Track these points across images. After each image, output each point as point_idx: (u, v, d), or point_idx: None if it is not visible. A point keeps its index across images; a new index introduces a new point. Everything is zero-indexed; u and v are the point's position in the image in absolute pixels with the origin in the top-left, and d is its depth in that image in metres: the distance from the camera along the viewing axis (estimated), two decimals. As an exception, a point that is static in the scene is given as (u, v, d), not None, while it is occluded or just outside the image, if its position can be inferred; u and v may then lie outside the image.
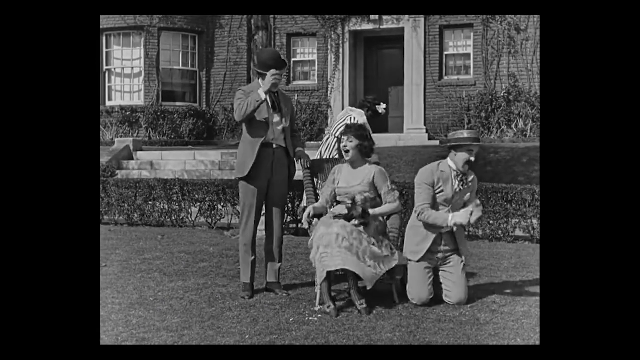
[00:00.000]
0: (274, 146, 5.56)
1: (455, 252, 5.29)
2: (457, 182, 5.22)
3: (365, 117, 7.87)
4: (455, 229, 5.19)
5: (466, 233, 8.43)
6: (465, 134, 5.21)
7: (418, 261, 5.22)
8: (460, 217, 5.08)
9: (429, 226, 5.20)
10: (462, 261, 5.27)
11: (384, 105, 8.06)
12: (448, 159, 5.27)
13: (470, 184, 5.29)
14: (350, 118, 7.84)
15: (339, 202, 5.34)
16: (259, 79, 5.63)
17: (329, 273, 4.98)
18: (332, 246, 4.95)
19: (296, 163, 5.79)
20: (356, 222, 5.08)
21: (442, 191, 5.19)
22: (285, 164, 5.65)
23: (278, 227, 5.64)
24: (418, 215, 5.19)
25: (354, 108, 8.11)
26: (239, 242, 5.64)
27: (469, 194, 5.30)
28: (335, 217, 5.14)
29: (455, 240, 5.30)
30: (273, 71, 5.41)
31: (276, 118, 5.58)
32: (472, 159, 5.17)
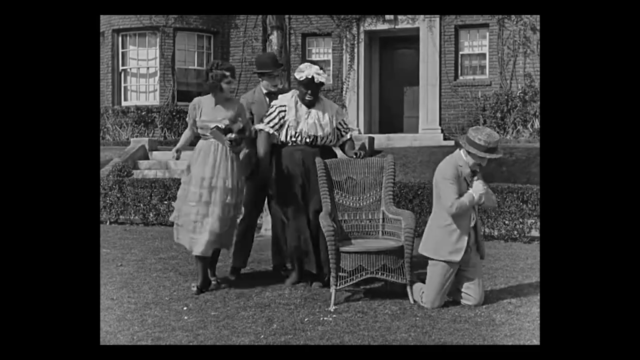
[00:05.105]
0: None
1: (474, 249, 5.26)
2: (468, 178, 5.18)
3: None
4: (482, 199, 5.15)
5: (481, 233, 8.42)
6: (483, 139, 5.01)
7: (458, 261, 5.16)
8: (477, 189, 5.11)
9: (460, 220, 5.12)
10: (481, 260, 5.29)
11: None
12: (462, 154, 5.15)
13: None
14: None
15: (198, 136, 5.84)
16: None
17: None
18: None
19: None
20: (236, 136, 5.61)
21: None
22: None
23: None
24: (452, 207, 5.04)
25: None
26: None
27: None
28: (216, 129, 5.64)
29: (477, 234, 5.27)
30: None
31: None
32: (483, 164, 5.12)
